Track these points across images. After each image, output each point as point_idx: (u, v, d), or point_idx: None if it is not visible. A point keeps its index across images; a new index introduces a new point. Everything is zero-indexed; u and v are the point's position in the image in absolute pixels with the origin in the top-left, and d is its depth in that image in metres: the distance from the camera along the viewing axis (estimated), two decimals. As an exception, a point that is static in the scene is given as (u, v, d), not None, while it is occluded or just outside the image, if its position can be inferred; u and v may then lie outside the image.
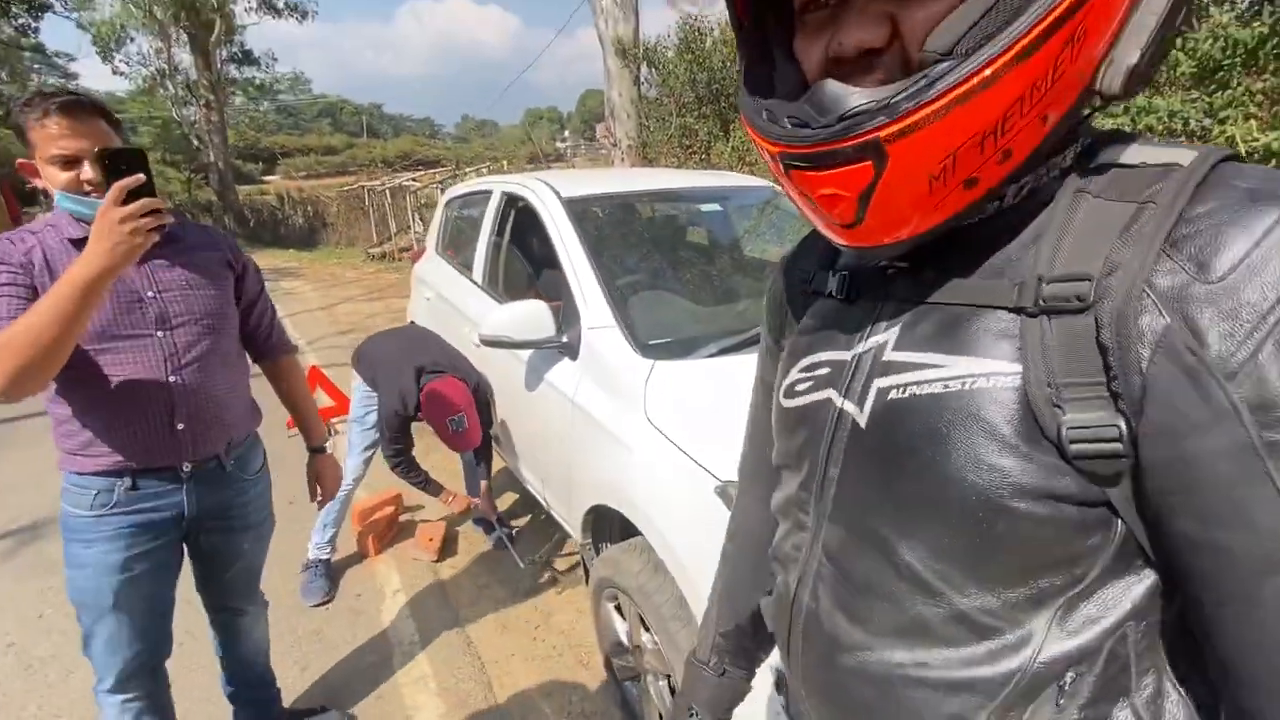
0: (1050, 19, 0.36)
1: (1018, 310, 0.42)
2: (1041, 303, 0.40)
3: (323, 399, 4.04)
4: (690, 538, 1.45)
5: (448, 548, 2.75)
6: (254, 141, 41.41)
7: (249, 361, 1.58)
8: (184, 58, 21.22)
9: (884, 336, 0.49)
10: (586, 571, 2.14)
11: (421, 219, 12.94)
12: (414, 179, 13.92)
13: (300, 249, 16.78)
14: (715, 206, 2.72)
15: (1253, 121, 4.31)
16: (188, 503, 1.40)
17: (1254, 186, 0.37)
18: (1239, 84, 4.52)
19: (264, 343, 1.61)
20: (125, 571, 1.33)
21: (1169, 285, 0.36)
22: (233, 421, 1.46)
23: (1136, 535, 0.41)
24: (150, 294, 1.30)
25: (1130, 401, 0.38)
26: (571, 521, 2.10)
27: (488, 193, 2.98)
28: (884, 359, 0.48)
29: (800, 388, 0.56)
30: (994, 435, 0.41)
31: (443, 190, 12.30)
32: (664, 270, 2.57)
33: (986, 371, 0.42)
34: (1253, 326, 0.34)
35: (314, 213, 18.28)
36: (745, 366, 1.69)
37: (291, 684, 2.02)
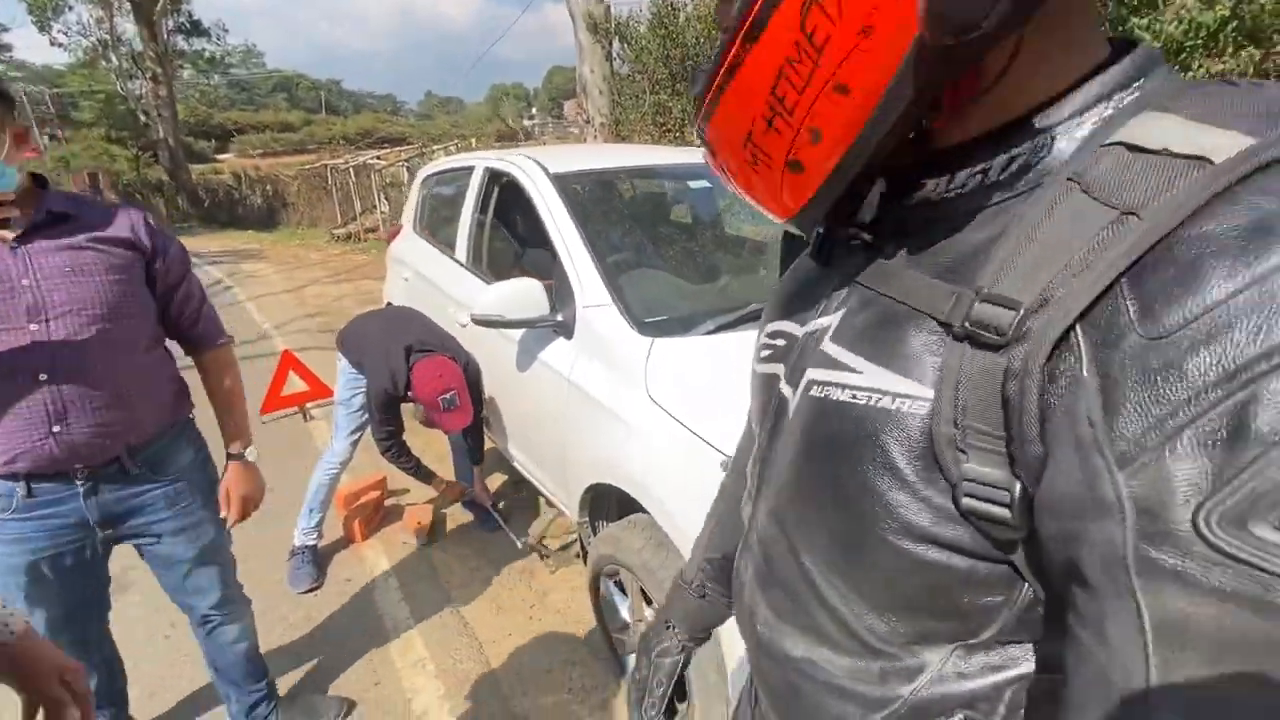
0: None
1: (946, 326, 0.36)
2: (967, 324, 0.34)
3: (295, 384, 3.94)
4: (695, 512, 1.46)
5: (436, 530, 2.73)
6: (205, 118, 39.64)
7: (168, 351, 1.42)
8: (128, 28, 20.23)
9: (829, 320, 0.46)
10: (583, 550, 2.15)
11: (387, 198, 12.62)
12: (379, 157, 13.54)
13: (260, 230, 16.24)
14: (704, 183, 2.71)
15: (1213, 101, 4.44)
16: (88, 509, 1.28)
17: (1261, 223, 0.26)
18: (1200, 65, 4.65)
19: (187, 332, 1.45)
20: (32, 573, 1.25)
21: (1104, 329, 0.29)
22: (135, 421, 1.30)
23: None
24: (25, 281, 1.15)
25: (1027, 470, 0.33)
26: (567, 501, 2.10)
27: (469, 169, 2.91)
28: (820, 347, 0.45)
29: (763, 354, 0.55)
30: (889, 465, 0.37)
31: (410, 169, 12.10)
32: (651, 247, 2.56)
33: (896, 391, 0.37)
34: (1177, 407, 0.26)
35: (273, 192, 17.69)
36: (742, 343, 1.72)
37: (286, 673, 1.98)
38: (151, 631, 2.19)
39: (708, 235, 2.88)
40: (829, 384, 0.42)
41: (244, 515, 1.55)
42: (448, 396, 2.17)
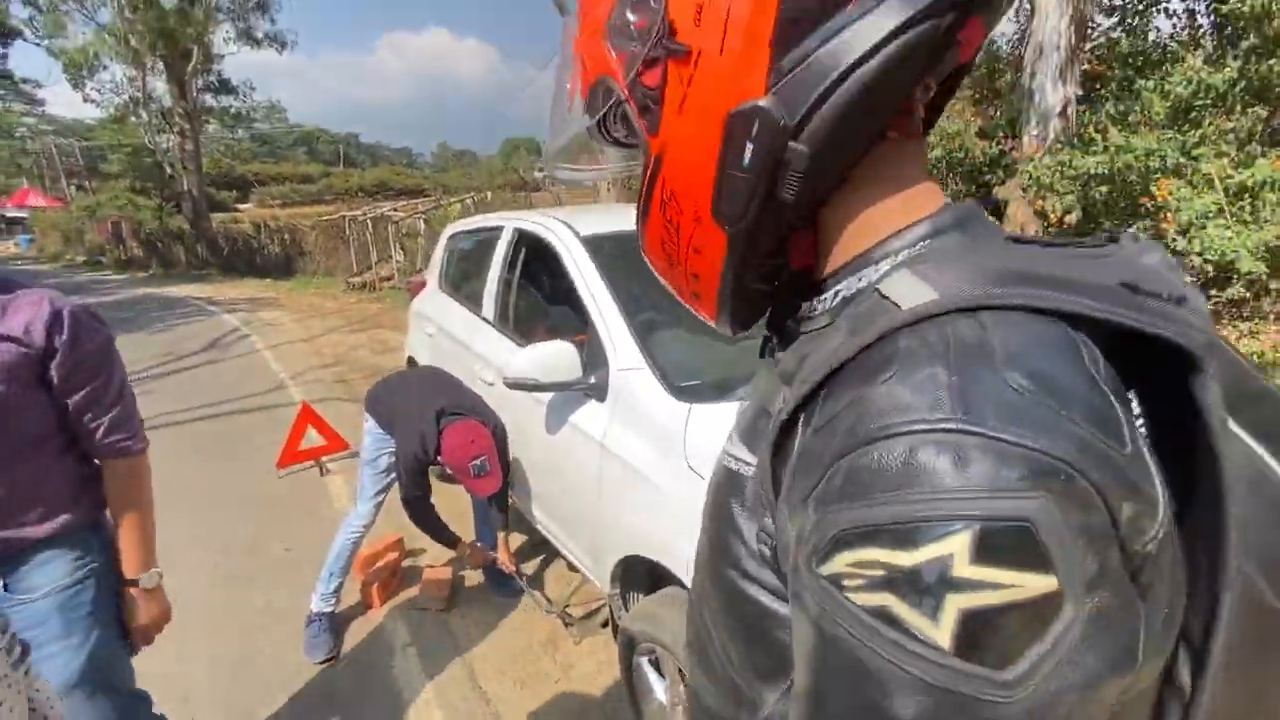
0: (643, 191, 0.49)
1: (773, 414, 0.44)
2: (782, 416, 0.42)
3: (312, 438, 3.92)
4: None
5: (456, 595, 2.64)
6: (229, 169, 40.90)
7: (59, 454, 1.27)
8: (158, 86, 21.01)
9: (746, 403, 0.56)
10: (614, 623, 2.06)
11: (403, 248, 12.84)
12: (395, 209, 13.85)
13: (277, 278, 16.49)
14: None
15: (1224, 159, 4.50)
16: None
17: (884, 360, 0.35)
18: (1211, 124, 4.73)
19: (88, 440, 1.29)
20: None
21: (807, 418, 0.39)
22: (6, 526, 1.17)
23: None
24: None
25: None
26: (596, 571, 2.03)
27: (498, 229, 2.95)
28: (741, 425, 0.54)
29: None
30: (729, 514, 0.48)
31: (426, 220, 12.32)
32: (677, 308, 2.55)
33: (741, 457, 0.49)
34: (812, 483, 0.36)
35: (291, 241, 18.02)
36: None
37: (300, 752, 1.89)
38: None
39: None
40: (724, 456, 0.53)
41: (148, 642, 1.42)
42: (478, 463, 2.13)
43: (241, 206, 37.70)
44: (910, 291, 0.37)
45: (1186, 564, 0.34)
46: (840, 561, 0.32)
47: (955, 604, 0.29)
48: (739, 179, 0.41)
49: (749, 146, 0.40)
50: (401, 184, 35.47)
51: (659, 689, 1.74)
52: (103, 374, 1.28)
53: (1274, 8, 4.39)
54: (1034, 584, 0.29)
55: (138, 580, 1.35)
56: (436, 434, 2.17)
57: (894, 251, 0.43)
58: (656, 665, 1.75)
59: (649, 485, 1.70)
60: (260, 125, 42.73)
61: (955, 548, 0.29)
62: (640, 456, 1.75)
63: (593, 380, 1.95)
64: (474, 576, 2.76)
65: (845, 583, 0.32)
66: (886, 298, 0.38)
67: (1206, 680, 0.35)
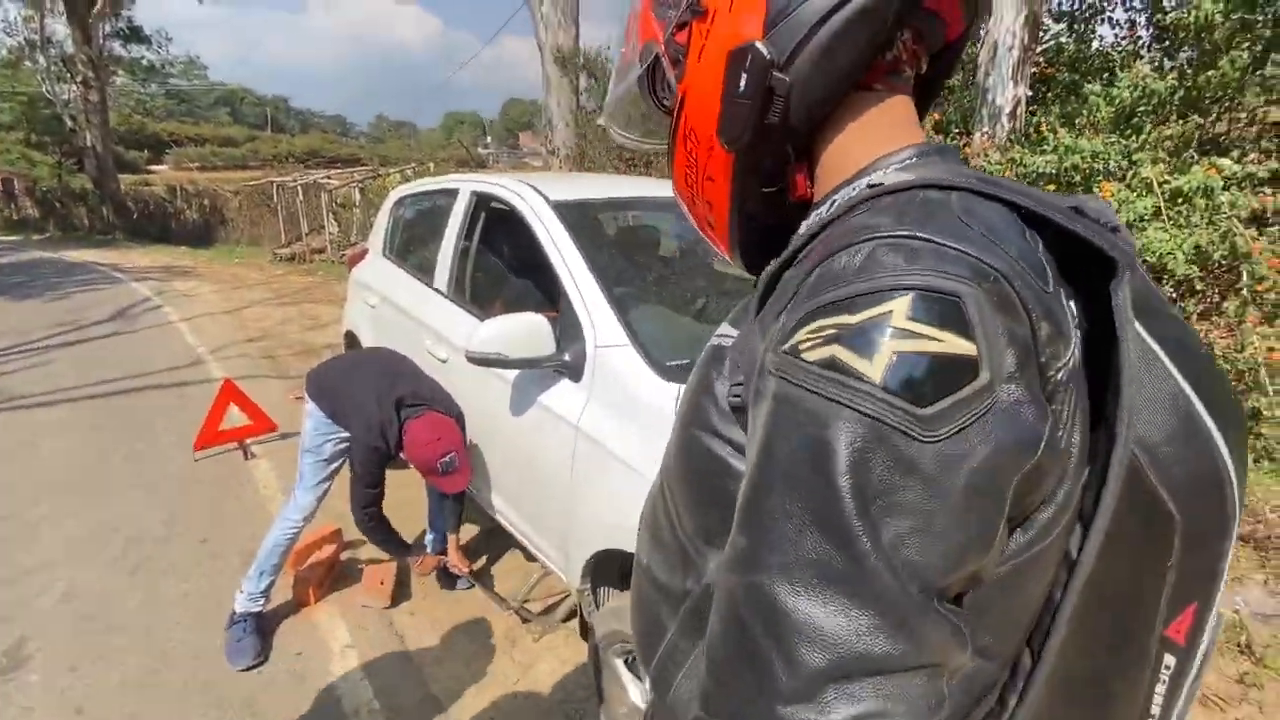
0: (671, 130, 0.57)
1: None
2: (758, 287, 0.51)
3: (235, 417, 3.56)
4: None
5: (401, 590, 2.42)
6: (140, 127, 37.55)
7: None
8: (59, 29, 19.01)
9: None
10: (583, 621, 1.91)
11: (338, 220, 12.10)
12: (329, 177, 13.02)
13: (194, 246, 15.31)
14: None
15: (1160, 165, 4.70)
16: None
17: (848, 230, 0.43)
18: (1151, 130, 4.93)
19: None
20: None
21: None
22: None
23: None
24: None
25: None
26: (564, 565, 1.87)
27: (453, 192, 2.70)
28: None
29: None
30: (707, 380, 0.53)
31: (362, 190, 11.64)
32: (654, 283, 2.40)
33: (723, 334, 0.55)
34: (781, 306, 0.45)
35: (211, 207, 16.78)
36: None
37: (222, 773, 1.65)
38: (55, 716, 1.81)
39: (707, 271, 2.75)
40: (716, 336, 0.57)
41: None
42: (447, 459, 1.94)
43: (155, 168, 34.89)
44: (897, 178, 0.47)
45: (1091, 444, 0.40)
46: (800, 334, 0.39)
47: (889, 348, 0.35)
48: (737, 105, 0.49)
49: (744, 76, 0.48)
50: (335, 152, 33.67)
51: (634, 690, 1.60)
52: None
53: (1217, 18, 4.59)
54: (956, 344, 0.35)
55: None
56: (399, 427, 1.96)
57: (883, 166, 0.50)
58: (631, 665, 1.61)
59: (631, 473, 1.55)
60: (177, 81, 39.50)
61: (894, 307, 0.36)
62: (622, 441, 1.60)
63: (567, 357, 1.78)
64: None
65: (801, 348, 0.38)
66: (876, 185, 0.47)
67: (1090, 548, 0.39)
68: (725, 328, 0.56)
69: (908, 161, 0.50)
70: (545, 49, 8.24)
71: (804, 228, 0.53)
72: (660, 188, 2.87)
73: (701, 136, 0.53)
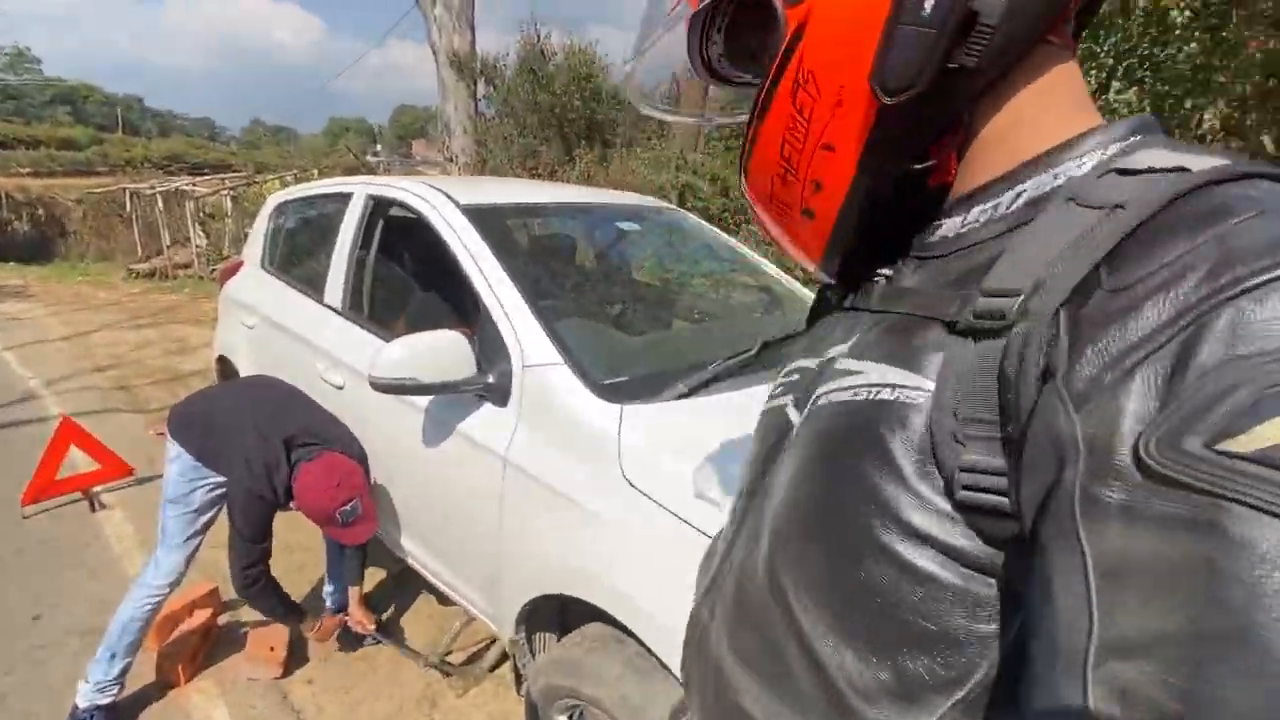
0: (769, 80, 0.42)
1: (951, 324, 0.38)
2: (970, 318, 0.36)
3: (78, 462, 3.01)
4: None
5: (295, 654, 2.08)
6: (-47, 126, 32.63)
7: None
8: None
9: (846, 344, 0.47)
10: (518, 674, 1.70)
11: (205, 231, 10.96)
12: (194, 184, 11.79)
13: (25, 263, 13.36)
14: (634, 225, 2.45)
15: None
16: None
17: (1224, 204, 0.30)
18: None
19: None
20: None
21: (1082, 296, 0.32)
22: None
23: None
24: None
25: (1019, 452, 0.33)
26: (497, 615, 1.65)
27: (345, 196, 2.41)
28: (835, 365, 0.46)
29: (775, 392, 0.55)
30: (885, 458, 0.37)
31: (234, 198, 10.63)
32: (569, 292, 2.24)
33: (895, 383, 0.39)
34: (1134, 345, 0.28)
35: (46, 217, 14.78)
36: (721, 406, 1.45)
37: None
38: None
39: (625, 280, 2.62)
40: (833, 391, 0.43)
41: None
42: (347, 508, 1.66)
43: (-28, 173, 30.31)
44: (1178, 160, 0.34)
45: None
46: (1272, 431, 0.24)
47: None
48: (915, 34, 0.36)
49: None
50: (201, 158, 30.77)
51: (584, 756, 1.42)
52: None
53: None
54: None
55: None
56: (288, 472, 1.67)
57: (1097, 147, 0.38)
58: (578, 724, 1.43)
59: (572, 506, 1.37)
60: (2, 75, 34.67)
61: None
62: (560, 471, 1.42)
63: (491, 379, 1.58)
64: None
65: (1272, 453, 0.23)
66: (1138, 171, 0.34)
67: None
68: (872, 366, 0.41)
69: (1132, 141, 0.38)
70: (440, 53, 7.90)
71: (963, 226, 0.41)
72: (573, 193, 2.72)
73: (828, 85, 0.39)
